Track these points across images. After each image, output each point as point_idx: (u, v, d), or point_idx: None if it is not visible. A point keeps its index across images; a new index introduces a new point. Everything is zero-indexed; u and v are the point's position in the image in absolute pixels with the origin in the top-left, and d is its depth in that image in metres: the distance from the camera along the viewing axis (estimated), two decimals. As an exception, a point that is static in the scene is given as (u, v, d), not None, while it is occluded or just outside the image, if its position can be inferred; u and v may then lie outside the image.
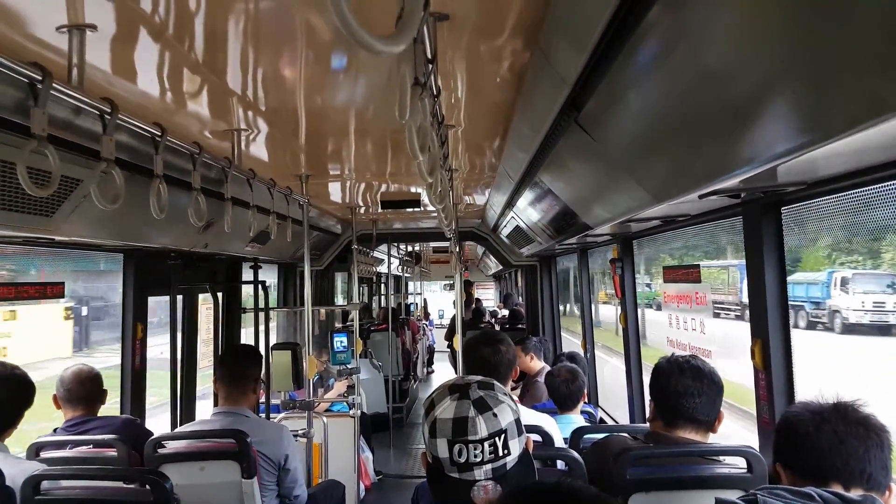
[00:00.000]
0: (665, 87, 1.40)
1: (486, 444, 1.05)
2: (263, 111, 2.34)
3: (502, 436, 1.07)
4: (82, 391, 2.58)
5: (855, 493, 1.23)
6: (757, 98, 1.18)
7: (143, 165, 2.12)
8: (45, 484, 1.93)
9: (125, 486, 2.08)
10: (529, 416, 2.30)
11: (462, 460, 1.06)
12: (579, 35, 1.41)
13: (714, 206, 2.18)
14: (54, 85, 1.44)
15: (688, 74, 1.30)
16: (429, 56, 1.24)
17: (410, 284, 13.74)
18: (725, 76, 1.22)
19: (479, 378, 1.17)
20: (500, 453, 1.06)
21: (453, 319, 8.80)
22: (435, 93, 1.47)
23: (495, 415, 1.08)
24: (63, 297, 2.69)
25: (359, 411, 4.47)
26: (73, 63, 1.57)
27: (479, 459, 1.05)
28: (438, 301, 17.36)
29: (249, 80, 2.01)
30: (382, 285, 11.42)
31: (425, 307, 14.82)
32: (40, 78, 1.40)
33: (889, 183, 1.51)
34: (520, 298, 10.28)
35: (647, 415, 1.93)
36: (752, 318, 2.05)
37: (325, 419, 4.17)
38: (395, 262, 9.70)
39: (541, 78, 1.81)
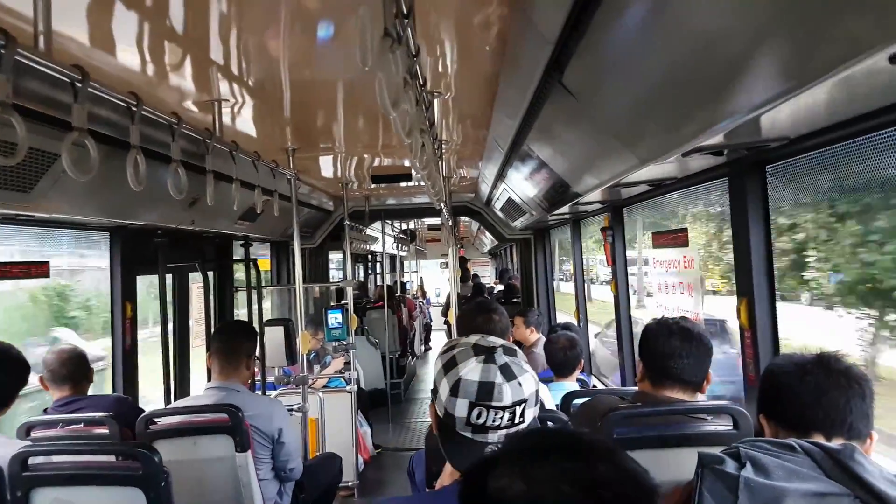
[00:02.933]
0: (646, 40, 1.37)
1: (506, 412, 1.05)
2: (245, 81, 2.30)
3: (523, 405, 1.06)
4: (64, 371, 2.57)
5: (836, 443, 1.23)
6: (738, 48, 1.15)
7: (123, 139, 2.09)
8: (33, 460, 1.94)
9: (115, 461, 2.09)
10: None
11: (480, 423, 1.05)
12: (558, -11, 1.37)
13: (700, 168, 2.16)
14: (20, 51, 1.39)
15: (668, 29, 1.27)
16: (404, 10, 1.21)
17: (406, 263, 13.73)
18: (706, 27, 1.19)
19: (502, 342, 1.14)
20: (517, 421, 1.06)
21: (449, 296, 8.81)
22: (414, 52, 1.43)
23: (520, 384, 1.07)
24: (48, 276, 2.66)
25: (355, 386, 4.50)
26: (39, 30, 1.53)
27: (496, 424, 1.05)
28: (435, 280, 17.39)
29: (232, 47, 1.97)
30: (378, 264, 11.41)
31: (422, 286, 14.85)
32: (3, 43, 1.36)
33: (872, 134, 1.49)
34: (516, 273, 10.29)
35: (637, 376, 1.94)
36: (737, 276, 2.04)
37: (320, 394, 4.20)
38: (390, 240, 9.68)
39: (524, 38, 1.78)
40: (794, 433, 1.29)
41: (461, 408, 1.06)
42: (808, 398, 1.30)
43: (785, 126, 1.52)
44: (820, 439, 1.26)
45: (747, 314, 1.98)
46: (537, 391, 1.11)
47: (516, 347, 1.15)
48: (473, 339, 1.15)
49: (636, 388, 1.99)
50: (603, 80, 1.69)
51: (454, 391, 1.08)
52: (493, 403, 1.05)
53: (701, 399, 1.84)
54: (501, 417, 1.05)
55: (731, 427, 1.70)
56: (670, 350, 1.79)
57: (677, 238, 2.66)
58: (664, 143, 1.66)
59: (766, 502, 1.17)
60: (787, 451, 1.22)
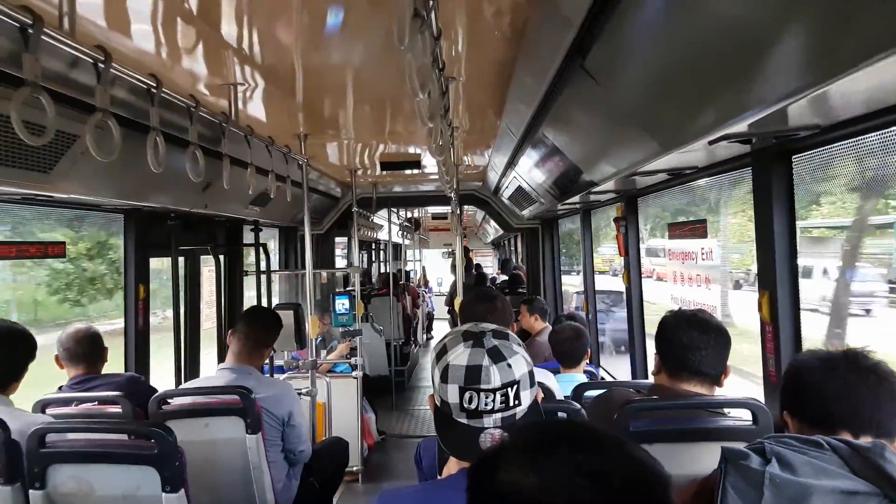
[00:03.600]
0: (674, 24, 1.35)
1: (497, 394, 1.04)
2: (260, 66, 2.28)
3: (515, 386, 1.05)
4: (79, 349, 2.59)
5: (864, 441, 1.20)
6: (768, 34, 1.13)
7: (140, 121, 2.08)
8: (50, 437, 1.95)
9: (130, 440, 2.10)
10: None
11: (472, 407, 1.05)
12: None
13: (723, 156, 2.13)
14: (46, 30, 1.39)
15: (697, 11, 1.25)
16: (430, -10, 1.20)
17: (409, 252, 13.74)
18: (735, 12, 1.17)
19: (494, 327, 1.14)
20: (511, 403, 1.05)
21: (453, 285, 8.81)
22: (435, 34, 1.41)
23: (510, 365, 1.06)
24: (64, 256, 2.66)
25: (361, 372, 4.51)
26: (64, 11, 1.53)
27: (489, 408, 1.04)
28: (437, 269, 17.35)
29: (245, 32, 1.95)
30: (382, 252, 11.42)
31: (424, 275, 14.85)
32: (31, 22, 1.36)
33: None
34: (519, 263, 10.29)
35: (653, 368, 1.92)
36: (759, 269, 2.02)
37: (327, 379, 4.21)
38: (395, 229, 9.68)
39: (545, 21, 1.75)
40: (819, 430, 1.25)
41: (453, 393, 1.06)
42: (835, 395, 1.26)
43: (816, 113, 1.49)
44: (847, 437, 1.23)
45: (769, 308, 1.95)
46: (531, 372, 1.10)
47: (509, 331, 1.15)
48: (466, 326, 1.16)
49: (648, 380, 1.97)
50: (628, 63, 1.66)
51: (444, 377, 1.08)
52: (482, 386, 1.04)
53: (719, 393, 1.82)
54: (493, 400, 1.04)
55: (750, 423, 1.69)
56: (688, 342, 1.76)
57: (696, 230, 2.64)
58: (689, 130, 1.63)
59: (792, 499, 1.13)
60: (813, 448, 1.19)
